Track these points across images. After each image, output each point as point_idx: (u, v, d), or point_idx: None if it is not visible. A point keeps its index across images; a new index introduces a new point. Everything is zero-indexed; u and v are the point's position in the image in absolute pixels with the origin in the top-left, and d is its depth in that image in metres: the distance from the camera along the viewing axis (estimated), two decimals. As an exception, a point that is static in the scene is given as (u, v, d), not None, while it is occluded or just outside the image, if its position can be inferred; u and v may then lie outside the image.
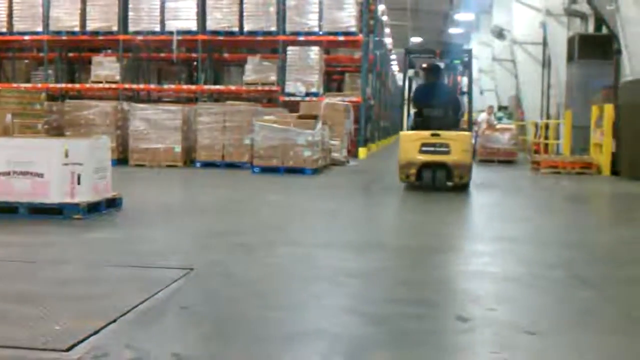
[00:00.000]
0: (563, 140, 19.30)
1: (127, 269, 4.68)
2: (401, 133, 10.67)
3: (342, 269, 4.85)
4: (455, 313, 3.75)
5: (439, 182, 10.13)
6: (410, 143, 10.18)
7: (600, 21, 18.22)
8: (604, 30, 17.99)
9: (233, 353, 3.12)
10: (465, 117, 11.62)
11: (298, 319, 3.61)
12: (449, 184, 10.28)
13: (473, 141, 13.06)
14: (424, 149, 10.07)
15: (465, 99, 11.36)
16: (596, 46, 17.93)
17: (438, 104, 10.59)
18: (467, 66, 11.10)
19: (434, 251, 5.77)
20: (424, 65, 11.14)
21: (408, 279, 4.65)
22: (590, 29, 19.63)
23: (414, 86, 11.63)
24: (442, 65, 11.16)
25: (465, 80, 11.61)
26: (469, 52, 11.43)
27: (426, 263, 5.28)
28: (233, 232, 6.42)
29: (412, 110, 11.26)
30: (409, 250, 5.84)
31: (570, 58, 19.10)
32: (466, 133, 10.48)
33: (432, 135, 10.11)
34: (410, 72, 11.48)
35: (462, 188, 10.47)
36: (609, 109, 15.07)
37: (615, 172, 14.65)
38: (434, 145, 10.07)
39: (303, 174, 12.81)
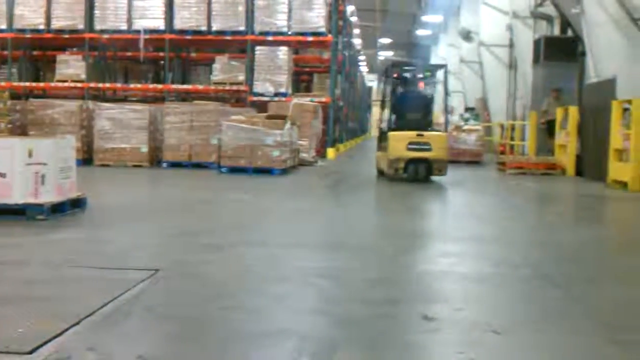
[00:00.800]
0: (528, 141, 19.54)
1: (91, 270, 4.61)
2: (390, 133, 12.15)
3: (309, 269, 4.84)
4: (422, 313, 3.76)
5: (421, 174, 11.85)
6: (399, 142, 11.85)
7: (565, 24, 18.51)
8: (570, 33, 18.27)
9: (198, 355, 3.08)
10: (443, 120, 13.38)
11: (264, 320, 3.59)
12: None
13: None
14: (410, 146, 11.81)
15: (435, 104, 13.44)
16: (561, 48, 18.20)
17: (416, 109, 12.51)
18: (445, 80, 13.47)
19: (400, 251, 5.79)
20: (407, 76, 13.14)
21: (375, 278, 4.65)
22: (556, 31, 19.91)
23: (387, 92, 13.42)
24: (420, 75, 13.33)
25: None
26: (445, 66, 13.59)
27: (393, 263, 5.29)
28: (200, 232, 6.37)
29: (387, 113, 12.95)
30: (376, 250, 5.85)
31: (535, 60, 19.35)
32: (443, 133, 12.67)
33: (418, 135, 11.87)
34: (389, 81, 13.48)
35: (435, 189, 11.13)
36: (573, 110, 15.30)
37: (579, 173, 14.88)
38: (418, 143, 11.82)
39: (271, 174, 12.77)
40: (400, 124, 12.33)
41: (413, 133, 11.89)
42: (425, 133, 11.96)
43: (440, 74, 13.51)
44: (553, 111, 17.08)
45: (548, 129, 17.62)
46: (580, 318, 3.82)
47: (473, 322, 3.67)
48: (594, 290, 4.54)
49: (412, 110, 12.45)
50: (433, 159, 11.81)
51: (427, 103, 12.98)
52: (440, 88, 14.36)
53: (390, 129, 12.33)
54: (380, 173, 12.89)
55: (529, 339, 3.40)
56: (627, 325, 3.69)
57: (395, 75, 13.16)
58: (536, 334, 3.48)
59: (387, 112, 13.08)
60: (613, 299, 4.33)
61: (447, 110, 13.24)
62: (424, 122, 12.44)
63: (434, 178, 12.22)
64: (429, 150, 11.78)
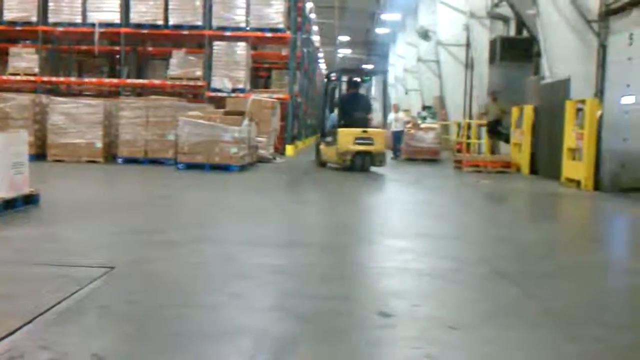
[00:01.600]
0: (484, 139, 19.80)
1: (44, 268, 4.52)
2: (339, 130, 14.04)
3: (265, 266, 4.82)
4: (379, 309, 3.77)
5: (366, 165, 13.89)
6: (347, 137, 13.86)
7: (521, 24, 18.78)
8: (525, 34, 18.55)
9: (154, 353, 3.05)
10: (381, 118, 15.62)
11: (220, 317, 3.56)
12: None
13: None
14: (357, 141, 13.85)
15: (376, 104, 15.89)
16: (517, 49, 18.46)
17: (359, 108, 14.45)
18: (384, 83, 17.29)
19: (358, 248, 5.81)
20: (355, 79, 15.24)
21: (332, 275, 4.66)
22: (512, 32, 20.20)
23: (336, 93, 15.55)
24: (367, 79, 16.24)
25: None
26: (385, 72, 17.67)
27: (350, 260, 5.31)
28: (155, 229, 6.29)
29: (336, 113, 14.82)
30: (333, 247, 5.85)
31: (492, 60, 19.61)
32: (383, 130, 15.21)
33: (363, 131, 13.91)
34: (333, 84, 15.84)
35: (392, 187, 11.10)
36: (528, 109, 15.55)
37: (534, 171, 15.13)
38: (363, 138, 13.87)
39: (229, 171, 12.70)
40: (346, 122, 14.14)
41: (359, 130, 13.92)
42: (368, 130, 14.06)
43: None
44: (492, 113, 18.21)
45: (488, 130, 18.72)
46: (536, 314, 3.88)
47: (430, 318, 3.70)
48: (550, 286, 4.61)
49: (357, 109, 14.38)
50: (375, 152, 13.94)
51: (368, 104, 15.14)
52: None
53: (339, 126, 14.17)
54: (322, 164, 14.91)
55: (486, 335, 3.44)
56: (583, 321, 3.76)
57: (344, 79, 15.54)
58: (493, 330, 3.52)
59: (327, 111, 15.36)
60: (568, 294, 4.41)
61: (385, 110, 16.26)
62: (366, 121, 14.42)
63: (394, 176, 12.94)
64: (371, 144, 13.90)
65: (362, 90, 15.65)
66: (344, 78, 15.58)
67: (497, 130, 18.43)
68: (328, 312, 3.71)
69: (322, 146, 15.09)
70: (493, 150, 18.91)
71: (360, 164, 13.82)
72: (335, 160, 14.00)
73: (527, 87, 16.66)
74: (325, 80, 16.52)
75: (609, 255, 6.28)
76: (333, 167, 14.41)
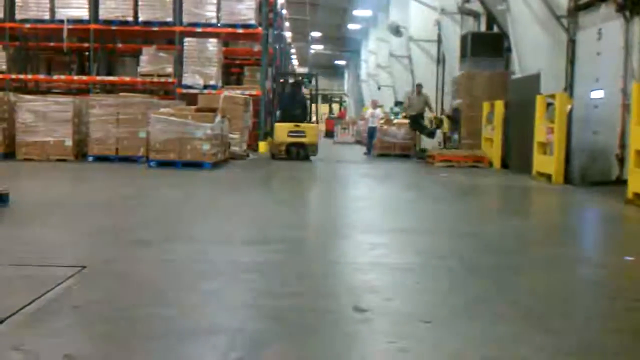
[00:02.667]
0: (456, 135, 19.91)
1: (14, 268, 4.46)
2: (275, 124, 16.94)
3: (238, 263, 4.81)
4: (352, 304, 3.78)
5: (300, 154, 16.11)
6: (282, 130, 16.33)
7: (491, 20, 18.92)
8: (495, 29, 18.69)
9: (128, 352, 3.02)
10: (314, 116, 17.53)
11: (194, 316, 3.54)
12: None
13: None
14: (290, 134, 16.22)
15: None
16: (488, 44, 18.58)
17: (296, 106, 16.88)
18: (316, 85, 17.84)
19: (330, 244, 5.82)
20: (291, 81, 18.55)
21: (304, 271, 4.66)
22: (483, 27, 20.34)
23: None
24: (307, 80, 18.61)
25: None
26: (316, 76, 18.32)
27: (323, 256, 5.31)
28: (127, 228, 6.24)
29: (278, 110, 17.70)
30: (305, 243, 5.86)
31: (463, 55, 19.72)
32: (315, 124, 17.22)
33: (295, 125, 16.28)
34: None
35: (364, 182, 10.96)
36: (499, 105, 15.68)
37: (505, 165, 15.27)
38: (296, 131, 16.24)
39: (201, 168, 12.63)
40: (284, 118, 16.73)
41: (292, 124, 16.25)
42: (301, 124, 16.36)
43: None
44: (416, 106, 18.55)
45: (411, 123, 18.94)
46: (508, 307, 3.91)
47: (403, 312, 3.72)
48: (520, 280, 4.66)
49: (293, 107, 16.82)
50: (307, 143, 16.21)
51: (303, 102, 17.40)
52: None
53: (277, 122, 16.98)
54: (272, 156, 16.64)
55: (459, 328, 3.46)
56: (553, 313, 3.80)
57: (281, 81, 18.87)
58: (466, 323, 3.54)
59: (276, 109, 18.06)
60: (539, 287, 4.46)
61: (317, 108, 17.99)
62: (302, 117, 16.74)
63: (365, 172, 12.74)
64: (303, 136, 16.20)
65: (301, 90, 18.08)
66: (291, 80, 18.86)
67: (420, 124, 18.76)
68: (302, 308, 3.71)
69: (269, 139, 17.59)
70: (415, 145, 19.24)
71: (295, 153, 16.13)
72: (274, 151, 16.50)
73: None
74: (273, 82, 19.69)
75: (577, 248, 6.36)
76: (302, 165, 14.50)
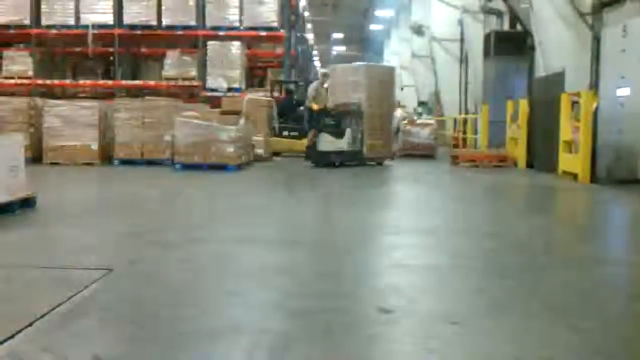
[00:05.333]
0: (480, 134, 19.82)
1: (43, 271, 4.51)
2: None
3: (264, 264, 4.82)
4: (378, 305, 3.77)
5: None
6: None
7: (515, 18, 18.79)
8: (519, 28, 18.56)
9: (155, 353, 3.04)
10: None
11: (221, 316, 3.56)
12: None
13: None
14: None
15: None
16: (511, 43, 18.48)
17: (289, 114, 17.70)
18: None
19: (356, 245, 5.81)
20: (287, 87, 19.12)
21: (330, 272, 4.66)
22: (506, 26, 20.22)
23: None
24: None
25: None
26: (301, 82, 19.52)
27: (348, 256, 5.30)
28: (153, 230, 6.29)
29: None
30: (330, 244, 5.85)
31: (486, 54, 19.62)
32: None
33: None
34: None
35: (389, 182, 11.00)
36: (523, 104, 15.56)
37: (530, 164, 15.15)
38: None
39: (226, 171, 12.69)
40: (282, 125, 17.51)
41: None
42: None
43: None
44: (323, 98, 15.36)
45: (309, 118, 15.61)
46: (536, 307, 3.88)
47: (430, 313, 3.70)
48: (544, 279, 4.62)
49: (289, 112, 17.76)
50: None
51: (296, 111, 17.76)
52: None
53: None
54: (275, 154, 16.95)
55: (487, 329, 3.44)
56: (583, 313, 3.76)
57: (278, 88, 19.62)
58: (494, 323, 3.52)
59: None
60: (567, 287, 4.41)
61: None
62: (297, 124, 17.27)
63: (390, 173, 12.46)
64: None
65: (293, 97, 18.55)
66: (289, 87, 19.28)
67: (321, 120, 14.47)
68: (328, 309, 3.70)
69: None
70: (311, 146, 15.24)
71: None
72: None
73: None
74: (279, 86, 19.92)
75: (606, 247, 6.29)
76: (326, 166, 14.20)
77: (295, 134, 17.20)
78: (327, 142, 14.27)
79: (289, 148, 17.34)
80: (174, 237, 5.91)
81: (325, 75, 16.13)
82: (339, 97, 15.29)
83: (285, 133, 17.50)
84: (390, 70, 17.09)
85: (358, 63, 16.94)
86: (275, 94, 18.93)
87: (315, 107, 15.06)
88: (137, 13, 18.37)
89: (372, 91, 15.29)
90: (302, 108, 17.17)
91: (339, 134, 14.33)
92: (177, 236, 5.95)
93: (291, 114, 17.62)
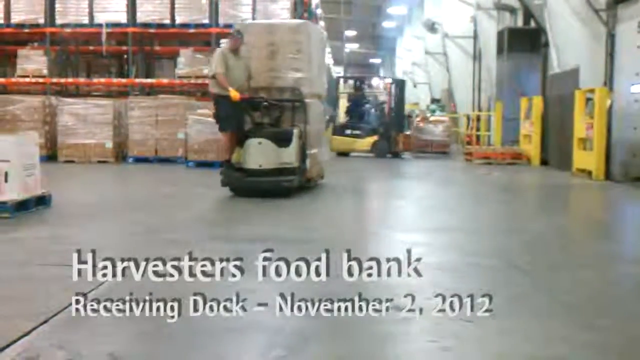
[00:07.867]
0: (494, 131, 19.74)
1: (57, 268, 4.54)
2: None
3: (276, 263, 4.81)
4: (392, 303, 3.77)
5: None
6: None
7: (528, 15, 18.69)
8: (533, 24, 18.45)
9: (169, 352, 3.06)
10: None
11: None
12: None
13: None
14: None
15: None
16: (525, 39, 18.35)
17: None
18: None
19: (369, 242, 5.80)
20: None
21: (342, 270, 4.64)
22: (519, 22, 20.10)
23: None
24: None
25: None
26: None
27: (362, 254, 5.29)
28: (166, 228, 6.31)
29: None
30: (344, 241, 5.85)
31: (500, 51, 19.51)
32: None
33: None
34: None
35: (404, 179, 10.86)
36: (537, 100, 15.48)
37: (544, 162, 15.07)
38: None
39: (239, 168, 12.68)
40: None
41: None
42: None
43: None
44: (236, 76, 8.97)
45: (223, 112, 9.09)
46: (551, 305, 3.86)
47: (445, 311, 3.69)
48: (558, 277, 4.60)
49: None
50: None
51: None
52: None
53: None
54: None
55: (502, 327, 3.43)
56: (597, 311, 3.75)
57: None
58: (509, 322, 3.51)
59: None
60: (581, 285, 4.39)
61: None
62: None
63: (404, 170, 12.35)
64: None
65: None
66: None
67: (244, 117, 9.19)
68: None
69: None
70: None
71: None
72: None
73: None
74: None
75: (622, 245, 6.25)
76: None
77: None
78: (257, 155, 8.72)
79: None
80: (188, 235, 5.93)
81: (237, 33, 9.21)
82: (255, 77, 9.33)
83: None
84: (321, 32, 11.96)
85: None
86: None
87: (234, 94, 8.60)
88: (150, 11, 18.37)
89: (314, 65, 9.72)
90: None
91: (281, 141, 8.75)
92: (191, 234, 5.96)
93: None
